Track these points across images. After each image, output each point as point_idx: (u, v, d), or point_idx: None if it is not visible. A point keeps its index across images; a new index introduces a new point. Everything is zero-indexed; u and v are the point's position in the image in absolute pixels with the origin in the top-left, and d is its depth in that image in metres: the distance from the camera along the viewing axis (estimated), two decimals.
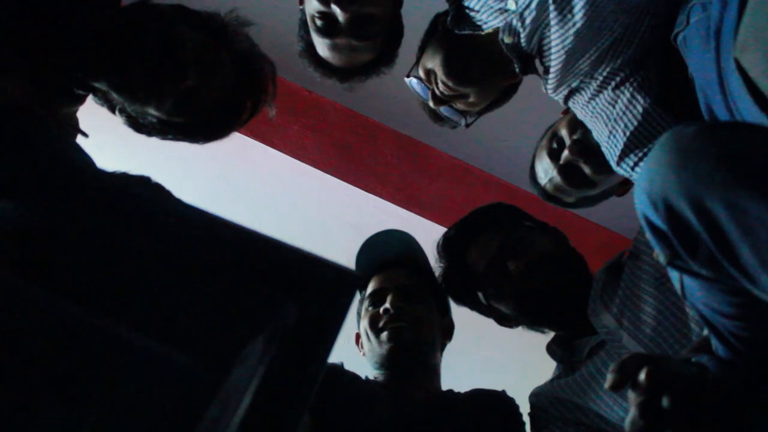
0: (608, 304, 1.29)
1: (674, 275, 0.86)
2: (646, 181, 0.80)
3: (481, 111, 1.49)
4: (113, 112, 1.25)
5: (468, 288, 1.49)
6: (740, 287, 0.75)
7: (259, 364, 0.58)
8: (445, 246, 1.54)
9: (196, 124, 1.27)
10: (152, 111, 1.21)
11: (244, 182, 2.74)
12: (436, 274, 1.58)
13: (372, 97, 2.84)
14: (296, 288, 0.63)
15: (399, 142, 2.93)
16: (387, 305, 1.55)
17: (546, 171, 1.49)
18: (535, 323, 1.47)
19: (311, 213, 2.89)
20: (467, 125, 1.49)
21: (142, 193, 0.76)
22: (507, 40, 1.28)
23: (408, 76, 1.47)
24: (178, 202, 0.72)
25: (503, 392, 1.57)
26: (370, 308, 1.60)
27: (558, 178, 1.46)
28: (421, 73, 1.43)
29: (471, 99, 1.41)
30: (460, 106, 1.43)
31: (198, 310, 0.61)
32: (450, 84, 1.36)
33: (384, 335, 1.53)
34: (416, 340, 1.54)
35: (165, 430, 0.53)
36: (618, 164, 1.26)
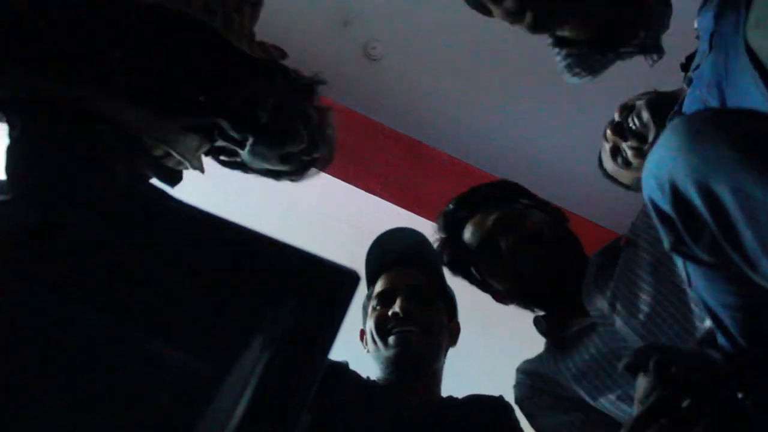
0: (603, 287, 1.28)
1: (679, 263, 0.87)
2: (654, 163, 0.80)
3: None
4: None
5: (463, 262, 1.49)
6: (742, 274, 0.76)
7: (258, 363, 0.58)
8: (444, 220, 1.53)
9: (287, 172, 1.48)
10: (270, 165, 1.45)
11: (244, 182, 2.73)
12: (434, 245, 1.57)
13: (372, 97, 2.84)
14: (296, 288, 0.63)
15: (399, 142, 2.93)
16: (396, 309, 1.51)
17: (603, 154, 1.62)
18: (527, 302, 1.46)
19: (311, 213, 2.89)
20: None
21: (141, 192, 0.76)
22: None
23: None
24: (179, 202, 0.72)
25: (500, 398, 1.56)
26: (378, 308, 1.56)
27: (609, 162, 1.59)
28: None
29: None
30: None
31: (198, 310, 0.61)
32: None
33: (392, 339, 1.49)
34: (424, 347, 1.51)
35: (165, 429, 0.53)
36: None
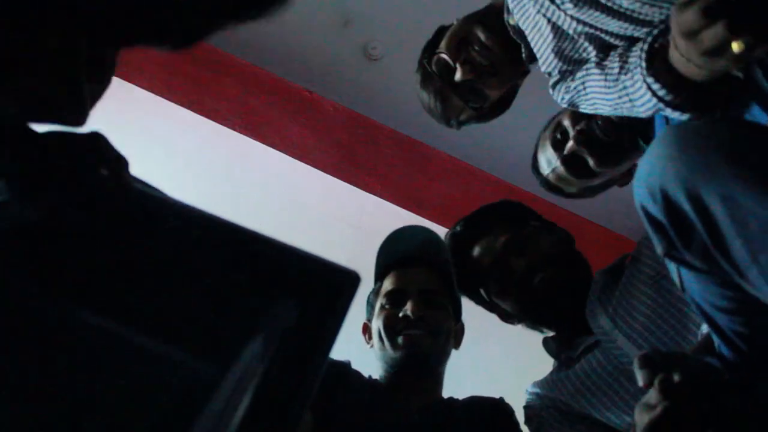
0: (605, 305, 1.30)
1: (672, 268, 0.87)
2: (645, 171, 0.81)
3: (486, 110, 1.49)
4: None
5: (472, 283, 1.49)
6: (733, 281, 0.76)
7: (259, 363, 0.58)
8: (452, 242, 1.53)
9: None
10: None
11: (244, 182, 2.74)
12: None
13: (372, 97, 2.84)
14: (296, 288, 0.63)
15: (399, 142, 2.93)
16: (408, 312, 1.49)
17: (549, 161, 1.49)
18: (535, 322, 1.47)
19: (311, 213, 2.89)
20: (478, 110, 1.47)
21: (141, 192, 0.76)
22: (511, 21, 1.24)
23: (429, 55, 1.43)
24: (178, 203, 0.72)
25: (501, 399, 1.55)
26: (387, 307, 1.55)
27: (561, 168, 1.46)
28: (446, 55, 1.40)
29: (497, 77, 1.38)
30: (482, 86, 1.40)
31: (198, 310, 0.61)
32: (492, 44, 1.32)
33: (401, 340, 1.48)
34: (431, 349, 1.50)
35: (165, 429, 0.53)
36: None
